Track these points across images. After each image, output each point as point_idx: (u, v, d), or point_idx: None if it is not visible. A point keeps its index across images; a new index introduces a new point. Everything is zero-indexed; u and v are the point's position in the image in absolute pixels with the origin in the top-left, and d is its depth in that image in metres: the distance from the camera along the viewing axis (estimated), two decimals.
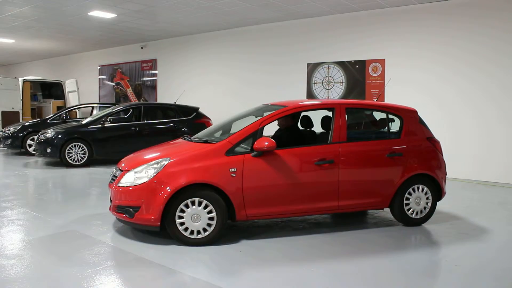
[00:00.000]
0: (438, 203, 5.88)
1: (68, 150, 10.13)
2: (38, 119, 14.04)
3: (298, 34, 11.59)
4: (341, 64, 10.82)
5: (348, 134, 5.49)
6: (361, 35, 10.48)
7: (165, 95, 15.10)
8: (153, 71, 15.81)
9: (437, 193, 5.79)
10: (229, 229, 5.41)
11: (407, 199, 5.61)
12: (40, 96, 18.34)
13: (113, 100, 17.42)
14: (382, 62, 10.17)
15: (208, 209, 4.78)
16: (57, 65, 20.98)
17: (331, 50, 10.98)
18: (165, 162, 4.87)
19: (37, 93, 18.22)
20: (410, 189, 5.62)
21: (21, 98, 16.02)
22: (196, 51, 14.26)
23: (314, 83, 11.30)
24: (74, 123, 11.35)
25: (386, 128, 5.93)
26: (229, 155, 4.94)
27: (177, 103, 11.77)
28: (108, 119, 10.61)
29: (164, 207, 4.69)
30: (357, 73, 10.56)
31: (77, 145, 10.21)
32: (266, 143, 4.89)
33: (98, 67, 18.38)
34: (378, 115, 6.19)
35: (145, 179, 4.82)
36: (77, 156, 10.21)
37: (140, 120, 10.98)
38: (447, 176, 5.98)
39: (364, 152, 5.53)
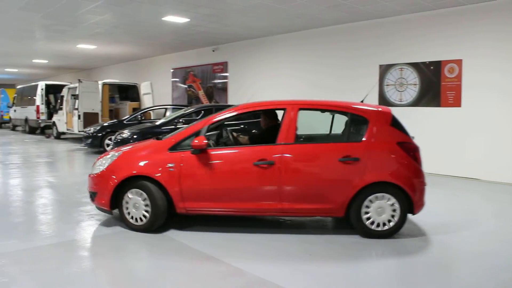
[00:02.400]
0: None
1: None
2: (115, 120, 14.74)
3: (370, 35, 11.33)
4: (415, 65, 10.44)
5: (299, 136, 5.34)
6: (436, 35, 10.04)
7: (235, 97, 15.33)
8: (224, 74, 16.10)
9: (408, 204, 5.18)
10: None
11: (367, 208, 5.14)
12: (118, 98, 19.20)
13: (186, 102, 17.92)
14: (459, 62, 9.69)
15: (144, 198, 5.25)
16: (133, 69, 21.94)
17: (404, 51, 10.62)
18: (117, 155, 5.55)
19: (115, 95, 19.09)
20: (371, 198, 5.13)
21: (101, 100, 16.88)
22: (266, 54, 14.36)
23: (386, 85, 11.00)
24: (149, 124, 11.81)
25: (346, 130, 5.53)
26: (171, 152, 5.31)
27: None
28: (180, 120, 10.94)
29: (112, 194, 5.32)
30: (431, 75, 10.15)
31: None
32: (196, 141, 5.13)
33: (171, 70, 18.99)
34: (341, 117, 5.71)
35: (101, 168, 5.52)
36: None
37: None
38: (426, 186, 5.33)
39: (312, 154, 5.27)
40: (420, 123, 10.32)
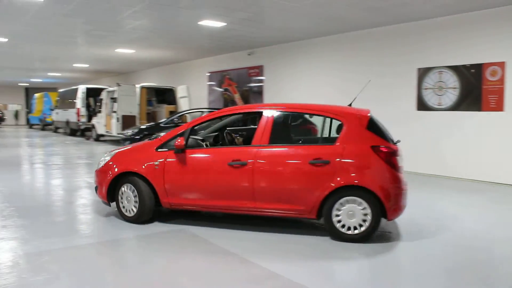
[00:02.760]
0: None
1: None
2: (152, 123, 15.00)
3: (408, 38, 11.12)
4: (455, 68, 10.18)
5: (274, 138, 5.46)
6: (478, 37, 9.75)
7: (271, 101, 15.33)
8: (260, 77, 16.14)
9: (381, 209, 5.08)
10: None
11: (338, 211, 5.14)
12: (155, 102, 19.53)
13: (221, 105, 18.05)
14: (501, 65, 9.39)
15: (134, 193, 5.79)
16: (169, 72, 22.28)
17: (444, 54, 10.38)
18: (114, 152, 6.20)
19: (152, 99, 19.43)
20: (342, 201, 5.11)
21: (139, 103, 17.20)
22: (302, 57, 14.32)
23: (425, 88, 10.77)
24: None
25: (321, 133, 5.55)
26: (158, 151, 5.81)
27: None
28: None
29: (109, 188, 5.96)
30: (472, 78, 9.88)
31: None
32: (177, 142, 5.61)
33: (207, 74, 19.18)
34: (316, 119, 5.77)
35: (102, 164, 6.18)
36: None
37: (247, 125, 11.23)
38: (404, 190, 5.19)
39: (283, 156, 5.36)
40: (460, 128, 10.07)
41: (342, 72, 12.89)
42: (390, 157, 5.13)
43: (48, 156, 13.95)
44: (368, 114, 5.43)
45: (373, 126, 5.32)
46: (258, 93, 16.19)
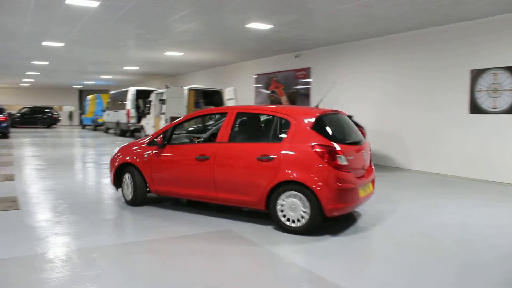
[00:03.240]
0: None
1: None
2: (200, 125, 15.18)
3: (460, 38, 10.73)
4: (511, 69, 9.74)
5: (233, 136, 6.15)
6: None
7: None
8: (307, 80, 16.04)
9: (318, 204, 5.32)
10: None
11: (282, 204, 5.54)
12: (202, 103, 19.69)
13: None
14: None
15: (131, 180, 6.87)
16: (217, 75, 22.53)
17: (499, 55, 9.93)
18: (120, 147, 7.38)
19: (199, 101, 19.61)
20: (285, 195, 5.51)
21: (186, 105, 17.46)
22: (350, 59, 14.11)
23: (478, 91, 10.36)
24: None
25: (272, 132, 6.03)
26: (148, 146, 6.79)
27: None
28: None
29: (115, 175, 7.15)
30: None
31: None
32: (160, 137, 6.61)
33: (254, 76, 19.26)
34: (271, 119, 6.22)
35: (112, 155, 7.33)
36: None
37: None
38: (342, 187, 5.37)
39: (236, 152, 5.97)
40: None
41: (391, 74, 12.62)
42: (329, 156, 5.37)
43: (99, 155, 14.42)
44: (317, 114, 5.77)
45: (319, 126, 5.64)
46: (305, 96, 16.09)
